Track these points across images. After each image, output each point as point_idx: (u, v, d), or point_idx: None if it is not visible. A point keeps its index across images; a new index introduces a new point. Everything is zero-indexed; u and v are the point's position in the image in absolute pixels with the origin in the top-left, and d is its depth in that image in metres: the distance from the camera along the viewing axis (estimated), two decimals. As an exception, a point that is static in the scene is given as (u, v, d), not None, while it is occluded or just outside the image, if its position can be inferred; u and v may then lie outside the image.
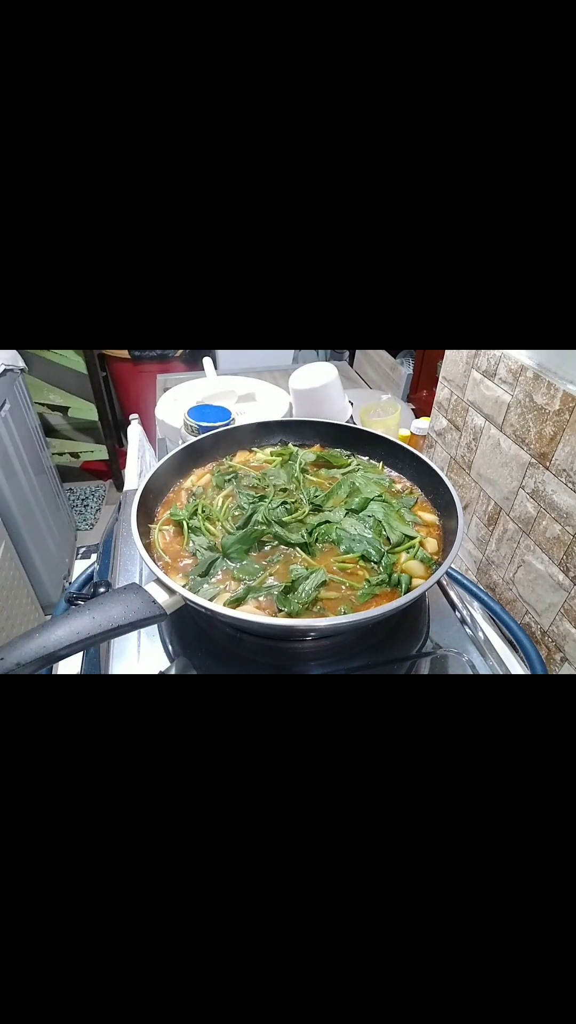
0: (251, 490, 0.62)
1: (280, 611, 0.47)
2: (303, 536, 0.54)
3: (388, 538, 0.54)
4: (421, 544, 0.54)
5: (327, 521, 0.57)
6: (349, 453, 0.70)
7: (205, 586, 0.50)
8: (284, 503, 0.59)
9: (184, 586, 0.45)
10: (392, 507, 0.58)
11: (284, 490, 0.61)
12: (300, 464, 0.66)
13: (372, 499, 0.59)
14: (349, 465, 0.67)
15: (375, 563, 0.52)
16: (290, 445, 0.71)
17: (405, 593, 0.47)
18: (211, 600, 0.46)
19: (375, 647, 0.53)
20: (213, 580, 0.51)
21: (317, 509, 0.59)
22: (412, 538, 0.54)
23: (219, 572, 0.51)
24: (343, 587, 0.50)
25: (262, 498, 0.59)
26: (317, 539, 0.55)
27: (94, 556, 0.74)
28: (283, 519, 0.56)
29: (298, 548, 0.53)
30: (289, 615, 0.46)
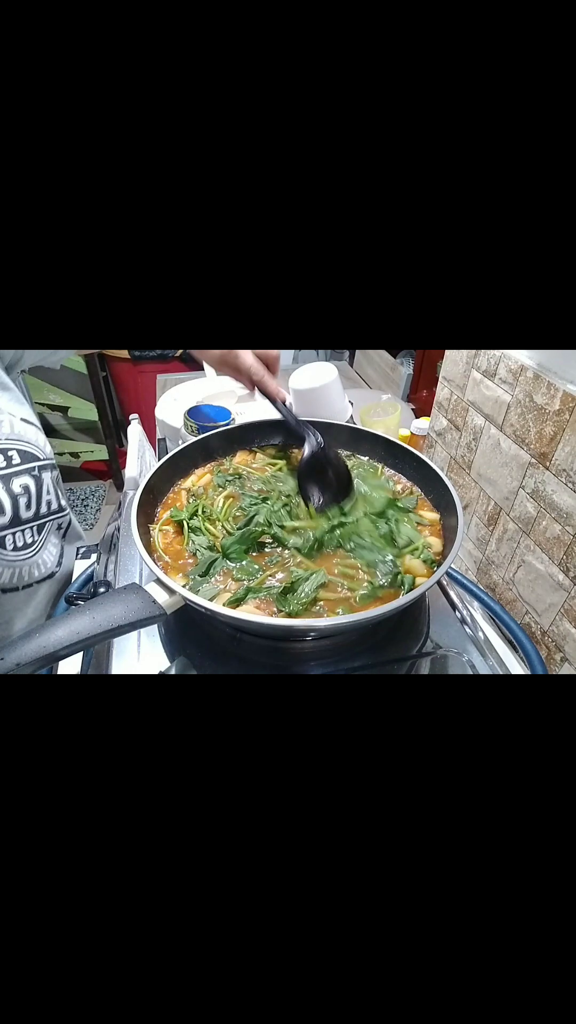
0: (256, 493, 0.61)
1: (279, 611, 0.47)
2: (306, 540, 0.54)
3: (396, 542, 0.54)
4: (426, 543, 0.54)
5: (342, 524, 0.56)
6: (349, 454, 0.70)
7: (205, 586, 0.50)
8: (286, 505, 0.59)
9: (184, 586, 0.45)
10: (401, 511, 0.58)
11: (289, 495, 0.61)
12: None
13: (388, 505, 0.58)
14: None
15: (386, 572, 0.52)
16: (293, 449, 0.71)
17: (409, 591, 0.47)
18: (211, 600, 0.46)
19: (375, 647, 0.53)
20: (213, 580, 0.51)
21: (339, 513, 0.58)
22: (415, 541, 0.54)
23: (219, 572, 0.51)
24: (341, 588, 0.50)
25: (265, 499, 0.59)
26: (326, 544, 0.54)
27: (94, 556, 0.73)
28: (283, 523, 0.56)
29: (296, 551, 0.53)
30: (288, 615, 0.46)
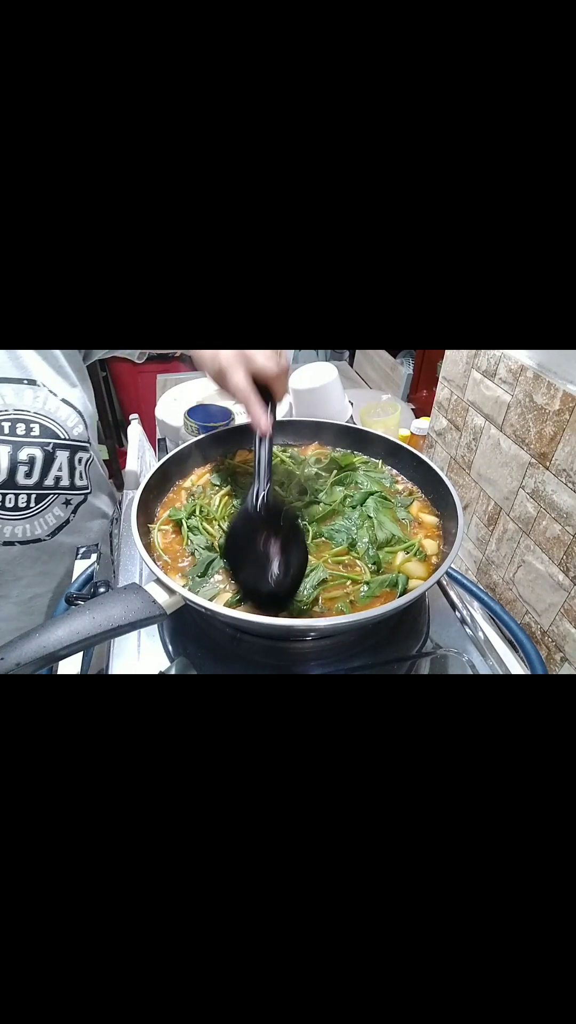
0: (247, 488, 0.62)
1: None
2: None
3: (376, 535, 0.54)
4: (420, 545, 0.54)
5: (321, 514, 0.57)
6: (349, 451, 0.70)
7: (205, 586, 0.50)
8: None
9: (184, 586, 0.45)
10: (387, 504, 0.58)
11: (281, 484, 0.61)
12: (309, 469, 0.65)
13: (370, 494, 0.59)
14: (356, 467, 0.66)
15: (366, 556, 0.52)
16: (291, 446, 0.71)
17: (404, 593, 0.47)
18: (211, 600, 0.46)
19: (375, 647, 0.53)
20: (212, 580, 0.50)
21: (314, 503, 0.59)
22: (402, 539, 0.54)
23: (218, 572, 0.51)
24: (348, 583, 0.50)
25: None
26: (313, 535, 0.55)
27: (94, 556, 0.73)
28: None
29: None
30: (290, 615, 0.46)
